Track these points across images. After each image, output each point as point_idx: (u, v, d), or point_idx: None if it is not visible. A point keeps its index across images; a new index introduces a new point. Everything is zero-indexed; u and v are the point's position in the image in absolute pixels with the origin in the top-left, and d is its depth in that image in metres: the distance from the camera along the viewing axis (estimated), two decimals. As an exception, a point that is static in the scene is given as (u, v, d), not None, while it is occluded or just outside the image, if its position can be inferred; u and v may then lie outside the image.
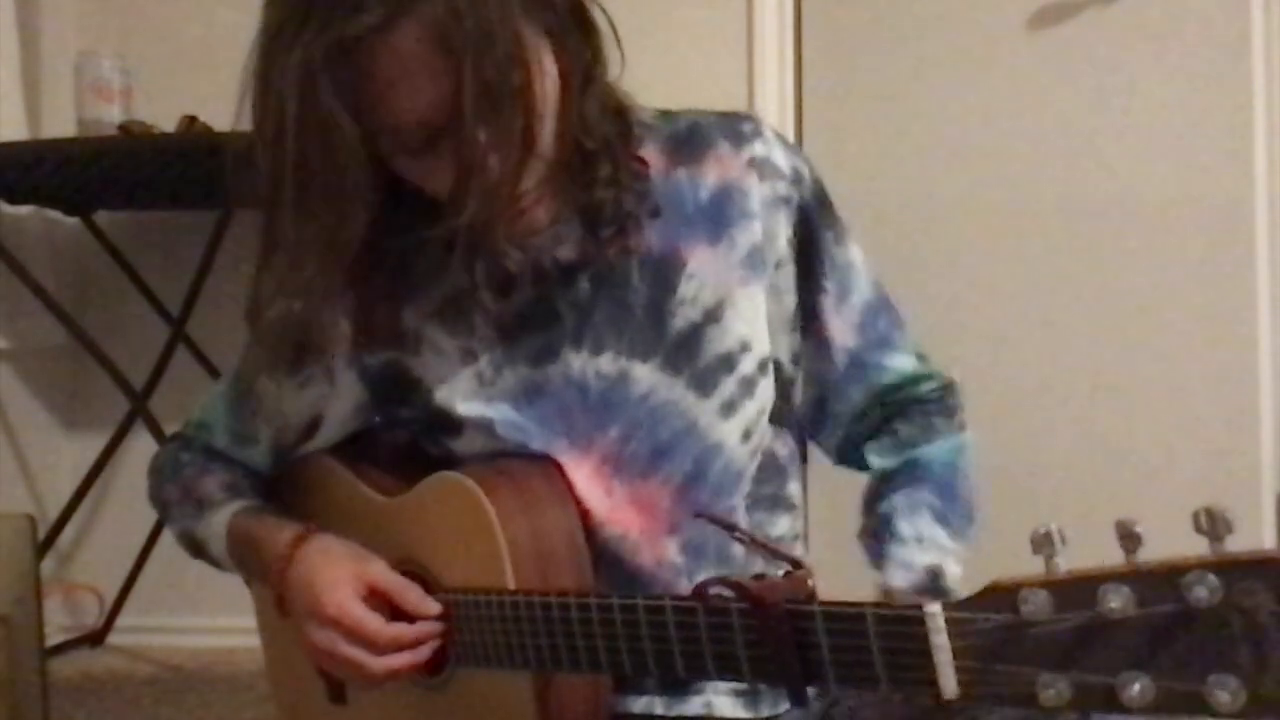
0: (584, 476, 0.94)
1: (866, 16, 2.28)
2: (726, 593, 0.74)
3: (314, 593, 0.94)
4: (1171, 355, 1.94)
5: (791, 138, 2.36)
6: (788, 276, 0.98)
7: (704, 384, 0.95)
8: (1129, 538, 0.58)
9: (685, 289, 0.95)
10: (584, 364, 0.95)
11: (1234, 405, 1.91)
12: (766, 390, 0.97)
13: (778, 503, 1.00)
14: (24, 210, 2.43)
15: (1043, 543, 0.60)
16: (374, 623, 0.91)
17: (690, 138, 0.98)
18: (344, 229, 0.85)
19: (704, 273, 0.95)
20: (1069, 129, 2.03)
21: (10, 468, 2.45)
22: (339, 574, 0.94)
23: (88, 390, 2.52)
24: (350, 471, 1.05)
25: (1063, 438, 2.05)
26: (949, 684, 0.63)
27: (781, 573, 0.74)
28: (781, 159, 0.98)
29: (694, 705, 0.95)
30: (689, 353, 0.95)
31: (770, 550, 0.74)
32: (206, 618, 2.44)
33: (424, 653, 0.92)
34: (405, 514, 0.98)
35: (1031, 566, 0.60)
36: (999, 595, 0.61)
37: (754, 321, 0.96)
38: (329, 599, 0.92)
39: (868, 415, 1.01)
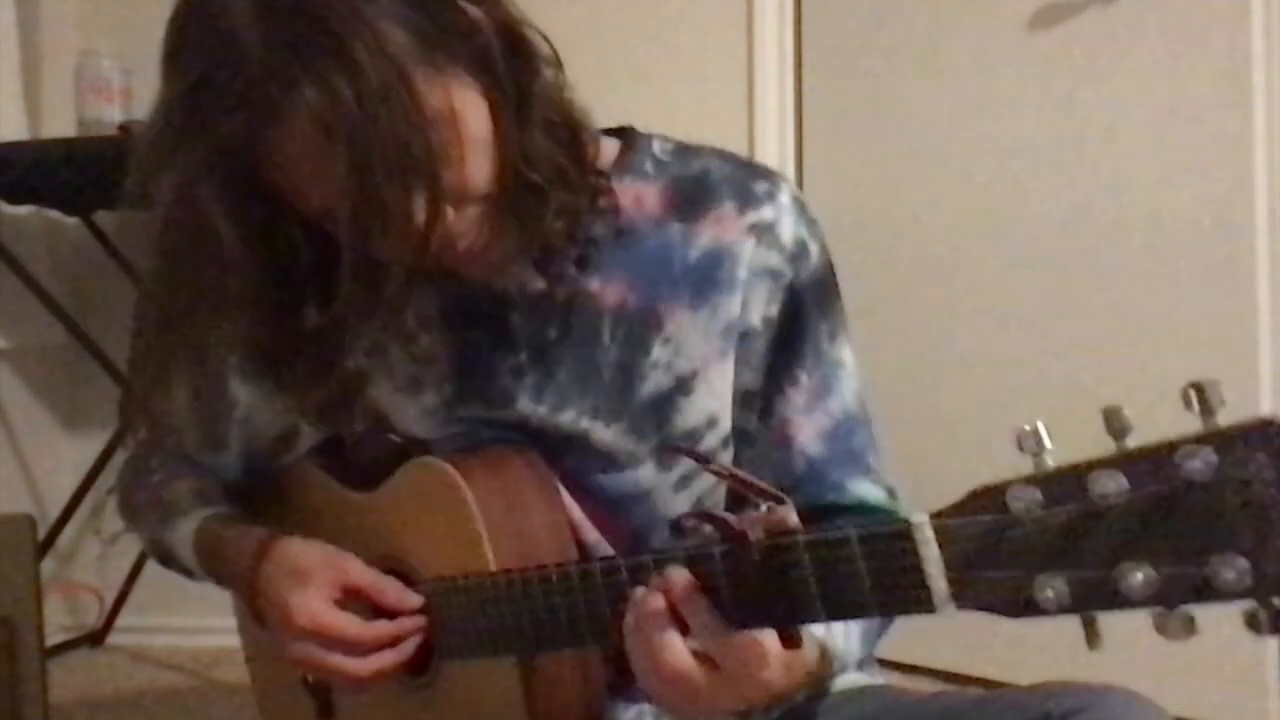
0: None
1: (866, 16, 2.28)
2: (706, 528, 0.71)
3: (284, 604, 0.91)
4: (1171, 355, 1.94)
5: (791, 140, 2.36)
6: (756, 354, 0.92)
7: (664, 458, 0.91)
8: (1117, 424, 0.55)
9: (659, 353, 0.90)
10: (542, 419, 0.92)
11: (1234, 406, 1.90)
12: (725, 461, 0.93)
13: None
14: (24, 210, 2.42)
15: (1028, 440, 0.57)
16: (351, 626, 0.89)
17: (695, 189, 0.92)
18: (230, 328, 0.83)
19: (681, 338, 0.90)
20: (1068, 129, 2.03)
21: (10, 468, 2.45)
22: (307, 581, 0.91)
23: (88, 390, 2.51)
24: (325, 470, 1.03)
25: (1060, 437, 2.05)
26: (941, 594, 0.60)
27: (764, 508, 0.70)
28: (788, 230, 0.91)
29: None
30: (655, 422, 0.91)
31: (748, 485, 0.71)
32: (206, 618, 2.44)
33: (409, 648, 0.90)
34: (382, 507, 0.96)
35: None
36: (986, 497, 0.58)
37: (723, 395, 0.92)
38: (299, 609, 0.90)
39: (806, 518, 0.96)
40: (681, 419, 0.91)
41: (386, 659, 0.89)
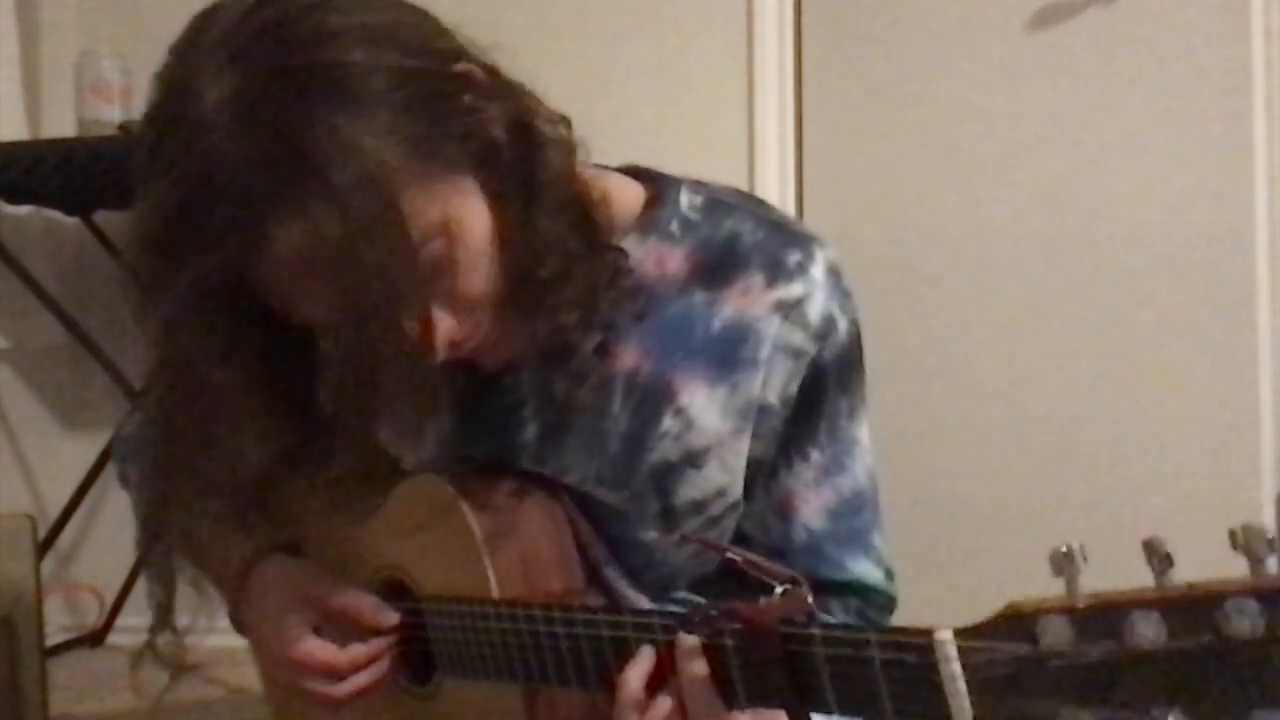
0: None
1: (866, 18, 2.28)
2: (718, 617, 0.70)
3: (266, 632, 0.92)
4: (1172, 356, 1.94)
5: (791, 142, 2.36)
6: (772, 428, 0.89)
7: (669, 522, 0.88)
8: (1159, 558, 0.52)
9: (670, 423, 0.87)
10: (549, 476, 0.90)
11: (1234, 406, 1.90)
12: (729, 524, 0.91)
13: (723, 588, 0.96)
14: (24, 210, 2.42)
15: (1063, 563, 0.54)
16: (328, 655, 0.89)
17: (723, 257, 0.88)
18: (243, 465, 0.78)
19: (695, 412, 0.87)
20: (1067, 129, 2.03)
21: (10, 468, 2.45)
22: (286, 609, 0.91)
23: (88, 390, 2.51)
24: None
25: (1061, 440, 2.05)
26: (962, 717, 0.57)
27: (779, 592, 0.69)
28: (817, 308, 0.88)
29: None
30: (660, 491, 0.88)
31: (762, 569, 0.69)
32: (206, 618, 2.45)
33: (383, 665, 0.90)
34: (384, 518, 0.95)
35: (1043, 580, 0.55)
36: (1016, 622, 0.55)
37: (735, 469, 0.89)
38: (281, 639, 0.90)
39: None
40: (688, 490, 0.88)
41: (361, 680, 0.90)
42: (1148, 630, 0.51)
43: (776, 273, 0.87)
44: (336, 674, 0.89)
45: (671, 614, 0.74)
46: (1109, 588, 0.54)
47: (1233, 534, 0.50)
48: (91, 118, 2.26)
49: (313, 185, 0.69)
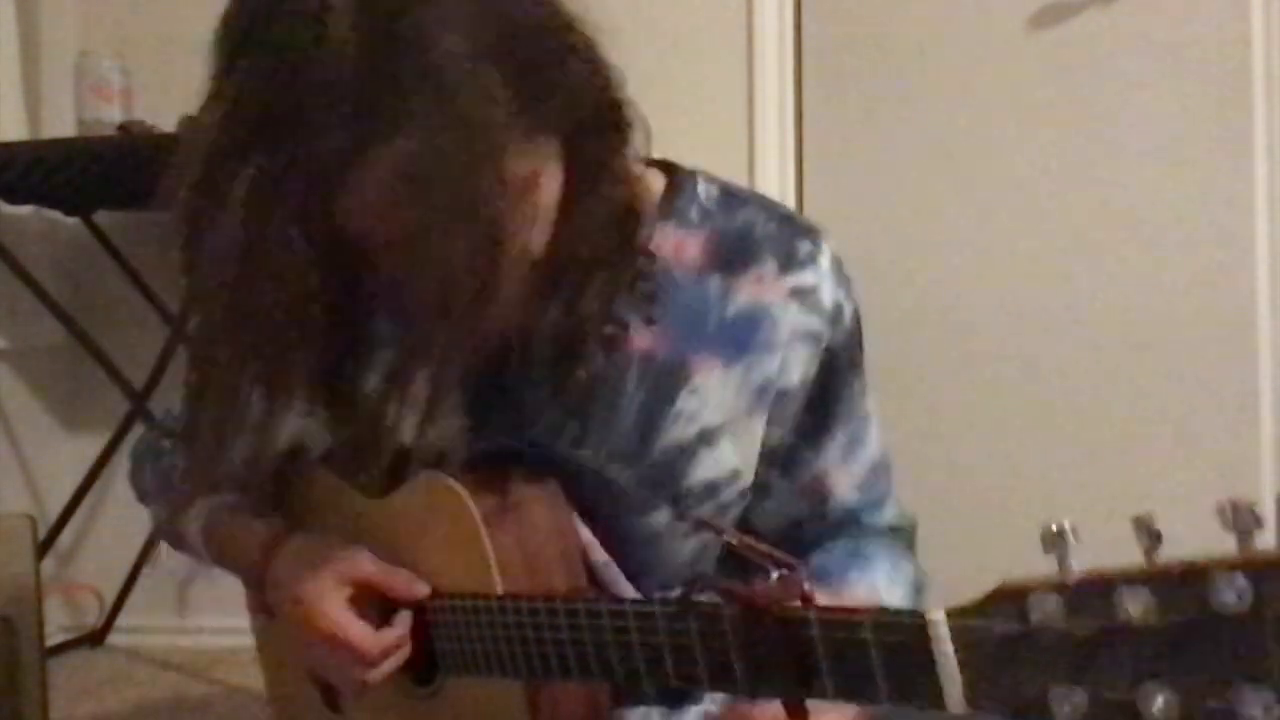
0: None
1: (866, 17, 2.28)
2: (717, 597, 0.70)
3: (301, 604, 0.90)
4: (1172, 355, 1.94)
5: (791, 142, 2.36)
6: (790, 414, 0.91)
7: (679, 505, 0.90)
8: (1148, 535, 0.53)
9: (685, 403, 0.89)
10: (561, 454, 0.91)
11: (1234, 406, 1.91)
12: (739, 510, 0.93)
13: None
14: (24, 210, 2.43)
15: (1053, 540, 0.55)
16: (368, 638, 0.89)
17: (738, 245, 0.91)
18: (292, 364, 0.78)
19: (709, 392, 0.89)
20: (1067, 129, 2.03)
21: (10, 468, 2.45)
22: (323, 580, 0.90)
23: (88, 390, 2.51)
24: (334, 470, 1.02)
25: (1063, 438, 2.05)
26: (955, 696, 0.59)
27: (775, 575, 0.69)
28: (828, 294, 0.91)
29: (691, 716, 0.93)
30: (672, 472, 0.89)
31: (761, 553, 0.70)
32: (206, 618, 2.45)
33: (405, 654, 0.90)
34: (390, 516, 0.95)
35: (1040, 567, 0.55)
36: (1007, 600, 0.56)
37: (748, 452, 0.91)
38: (317, 612, 0.89)
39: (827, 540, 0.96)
40: (701, 471, 0.90)
41: (390, 665, 0.90)
42: (1136, 605, 0.51)
43: (789, 262, 0.90)
44: (367, 658, 0.88)
45: (672, 600, 0.74)
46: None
47: (1220, 509, 0.50)
48: (91, 118, 2.26)
49: (436, 109, 0.70)
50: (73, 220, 2.47)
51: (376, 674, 0.89)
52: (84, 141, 2.23)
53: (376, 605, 0.92)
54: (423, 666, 0.93)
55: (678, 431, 0.89)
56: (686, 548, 0.92)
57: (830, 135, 2.35)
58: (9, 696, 1.59)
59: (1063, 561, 0.55)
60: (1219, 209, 1.90)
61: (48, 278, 2.37)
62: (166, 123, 2.21)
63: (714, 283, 0.90)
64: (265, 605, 0.98)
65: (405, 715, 0.97)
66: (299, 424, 0.95)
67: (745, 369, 0.89)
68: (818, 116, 2.37)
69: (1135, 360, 1.97)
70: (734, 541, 0.75)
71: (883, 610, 0.64)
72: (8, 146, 2.24)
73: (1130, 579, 0.52)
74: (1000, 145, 2.11)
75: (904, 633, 0.61)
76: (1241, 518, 0.50)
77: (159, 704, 2.11)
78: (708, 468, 0.90)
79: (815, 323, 0.90)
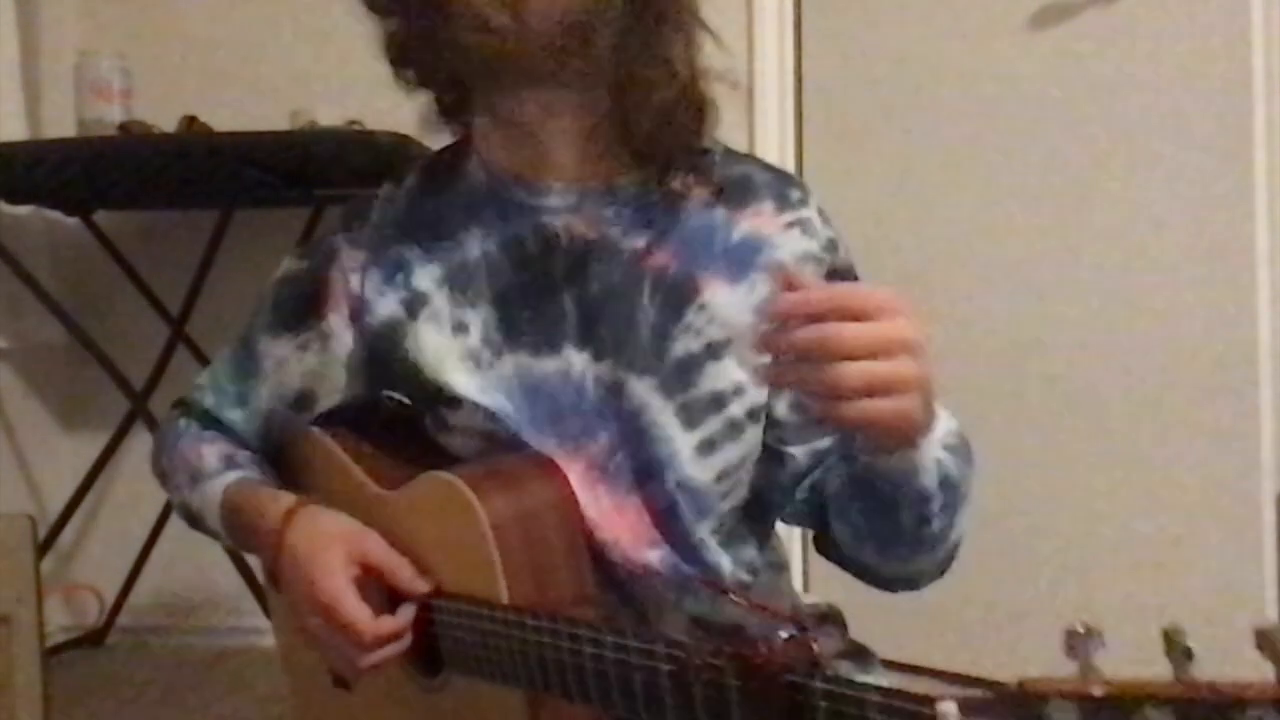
0: (574, 478, 0.93)
1: (866, 17, 2.29)
2: (722, 660, 0.70)
3: (308, 577, 0.92)
4: (1172, 354, 1.94)
5: (791, 148, 2.36)
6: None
7: (690, 417, 0.93)
8: (1177, 652, 0.50)
9: (693, 318, 0.94)
10: (585, 366, 0.95)
11: (1234, 405, 1.90)
12: (753, 438, 0.95)
13: (754, 534, 0.98)
14: (24, 210, 2.43)
15: (1077, 642, 0.52)
16: (364, 621, 0.90)
17: (738, 186, 0.99)
18: None
19: (716, 307, 0.94)
20: (1067, 129, 2.03)
21: (10, 468, 2.46)
22: (332, 556, 0.92)
23: (87, 390, 2.52)
24: (348, 455, 1.04)
25: (1059, 440, 2.05)
26: None
27: (784, 636, 0.69)
28: (820, 228, 0.99)
29: None
30: (683, 382, 0.94)
31: (767, 613, 0.70)
32: (206, 618, 2.45)
33: (405, 642, 0.91)
34: (398, 511, 0.97)
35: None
36: (1024, 702, 0.53)
37: (754, 365, 0.93)
38: (323, 586, 0.91)
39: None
40: (708, 382, 0.94)
41: (385, 653, 0.91)
42: None
43: (783, 202, 0.98)
44: (361, 640, 0.90)
45: (677, 643, 0.74)
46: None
47: (1259, 634, 0.48)
48: (91, 118, 2.26)
49: None
50: (73, 220, 2.48)
51: (369, 659, 0.90)
52: (84, 141, 2.23)
53: (383, 594, 0.93)
54: (428, 659, 0.94)
55: (686, 343, 0.94)
56: (700, 471, 0.94)
57: (830, 138, 2.35)
58: (9, 696, 1.59)
59: (1085, 666, 0.52)
60: (1219, 209, 1.90)
61: (48, 278, 2.37)
62: (166, 123, 2.21)
63: (719, 213, 0.97)
64: (275, 577, 0.99)
65: (410, 703, 0.97)
66: (310, 362, 1.03)
67: (750, 286, 0.95)
68: (818, 118, 2.37)
69: (1135, 360, 1.97)
70: (742, 604, 0.74)
71: (894, 692, 0.62)
72: (8, 146, 2.24)
73: (1158, 699, 0.49)
74: (1000, 145, 2.11)
75: (910, 718, 0.59)
76: (1277, 647, 0.48)
77: (159, 704, 2.11)
78: (714, 379, 0.94)
79: (815, 247, 0.97)
